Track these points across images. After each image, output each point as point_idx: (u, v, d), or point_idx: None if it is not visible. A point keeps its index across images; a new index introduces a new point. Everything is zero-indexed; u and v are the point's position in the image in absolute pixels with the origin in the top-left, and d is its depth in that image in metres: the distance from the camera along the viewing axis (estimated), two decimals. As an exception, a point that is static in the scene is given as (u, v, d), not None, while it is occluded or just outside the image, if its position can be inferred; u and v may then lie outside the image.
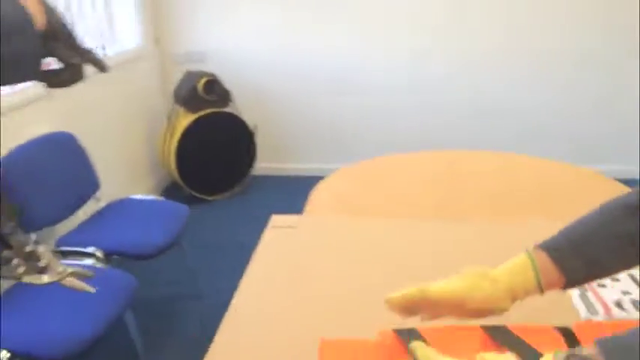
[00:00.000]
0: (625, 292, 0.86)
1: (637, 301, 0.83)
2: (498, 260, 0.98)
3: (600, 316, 0.80)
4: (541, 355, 0.49)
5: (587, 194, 1.37)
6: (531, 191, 1.36)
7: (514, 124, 3.56)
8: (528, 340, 0.53)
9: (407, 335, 0.57)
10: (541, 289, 0.65)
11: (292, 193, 3.62)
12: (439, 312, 0.65)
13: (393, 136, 3.61)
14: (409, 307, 0.64)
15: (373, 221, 1.16)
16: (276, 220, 1.22)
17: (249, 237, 2.90)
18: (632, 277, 0.90)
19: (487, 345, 0.56)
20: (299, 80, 3.53)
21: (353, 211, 1.29)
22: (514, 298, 0.64)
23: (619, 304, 0.83)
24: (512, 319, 0.83)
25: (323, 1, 3.37)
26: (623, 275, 0.91)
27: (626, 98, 3.44)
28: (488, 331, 0.57)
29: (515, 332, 0.56)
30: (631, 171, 3.35)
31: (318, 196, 1.37)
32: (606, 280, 0.90)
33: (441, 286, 0.65)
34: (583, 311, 0.82)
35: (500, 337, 0.55)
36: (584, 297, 0.85)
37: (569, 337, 0.56)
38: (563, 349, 0.55)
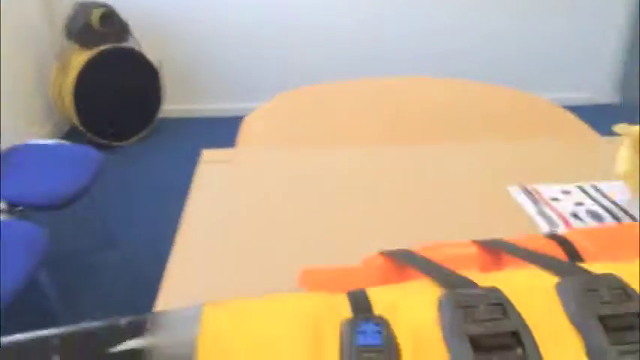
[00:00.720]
0: (578, 204, 0.87)
1: (590, 210, 0.84)
2: (458, 181, 0.96)
3: (561, 228, 0.80)
4: (550, 260, 0.46)
5: (535, 120, 1.39)
6: (480, 118, 1.35)
7: (448, 48, 3.53)
8: (530, 247, 0.50)
9: (400, 256, 0.52)
10: None
11: (208, 135, 3.41)
12: None
13: (319, 66, 3.45)
14: None
15: (318, 151, 1.09)
16: (207, 155, 1.12)
17: (162, 182, 2.76)
18: (582, 189, 0.91)
19: (487, 259, 0.52)
20: (209, 9, 3.28)
21: (293, 141, 1.21)
22: None
23: (575, 215, 0.83)
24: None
25: None
26: (573, 188, 0.92)
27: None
28: (484, 244, 0.53)
29: (513, 242, 0.53)
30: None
31: (250, 127, 1.28)
32: (558, 194, 0.90)
33: None
34: (544, 226, 0.82)
35: (501, 248, 0.51)
36: (541, 212, 0.85)
37: (565, 244, 0.54)
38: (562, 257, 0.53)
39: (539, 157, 1.05)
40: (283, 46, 3.41)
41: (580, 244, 0.54)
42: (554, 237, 0.56)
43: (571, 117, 1.35)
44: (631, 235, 0.53)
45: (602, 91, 3.76)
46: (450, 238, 0.85)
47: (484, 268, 0.52)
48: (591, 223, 0.80)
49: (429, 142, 1.22)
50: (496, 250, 0.53)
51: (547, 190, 0.91)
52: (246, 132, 1.26)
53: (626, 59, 3.74)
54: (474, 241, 0.56)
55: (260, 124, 1.27)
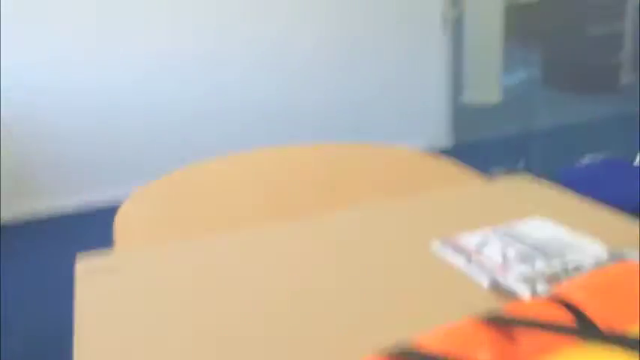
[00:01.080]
0: (503, 248, 0.86)
1: (519, 253, 0.84)
2: (377, 248, 0.91)
3: (501, 278, 0.78)
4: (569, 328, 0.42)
5: (413, 171, 1.40)
6: (359, 178, 1.33)
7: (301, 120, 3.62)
8: (541, 317, 0.45)
9: (410, 357, 0.44)
10: None
11: (60, 237, 3.00)
12: None
13: (178, 151, 3.32)
14: None
15: (215, 239, 0.97)
16: (84, 264, 0.95)
17: (14, 304, 2.34)
18: (498, 236, 0.91)
19: (496, 337, 0.46)
20: (50, 94, 2.96)
21: (178, 232, 1.07)
22: None
23: (506, 260, 0.82)
24: (422, 313, 0.76)
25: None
26: (489, 233, 0.92)
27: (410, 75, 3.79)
28: (487, 320, 0.47)
29: (519, 314, 0.47)
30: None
31: (125, 224, 1.12)
32: (479, 242, 0.89)
33: None
34: (481, 276, 0.79)
35: (509, 322, 0.46)
36: (472, 262, 0.83)
37: (566, 305, 0.50)
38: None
39: (441, 208, 1.05)
40: (147, 126, 3.22)
41: (581, 303, 0.50)
42: (549, 298, 0.52)
43: (444, 162, 1.41)
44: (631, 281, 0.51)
45: (436, 136, 4.11)
46: (395, 310, 0.79)
47: (498, 349, 0.46)
48: (523, 266, 0.80)
49: (318, 212, 1.16)
50: (504, 326, 0.48)
51: (467, 240, 0.90)
52: (121, 231, 1.10)
53: (454, 105, 4.16)
54: (474, 319, 0.49)
55: (135, 221, 1.11)
